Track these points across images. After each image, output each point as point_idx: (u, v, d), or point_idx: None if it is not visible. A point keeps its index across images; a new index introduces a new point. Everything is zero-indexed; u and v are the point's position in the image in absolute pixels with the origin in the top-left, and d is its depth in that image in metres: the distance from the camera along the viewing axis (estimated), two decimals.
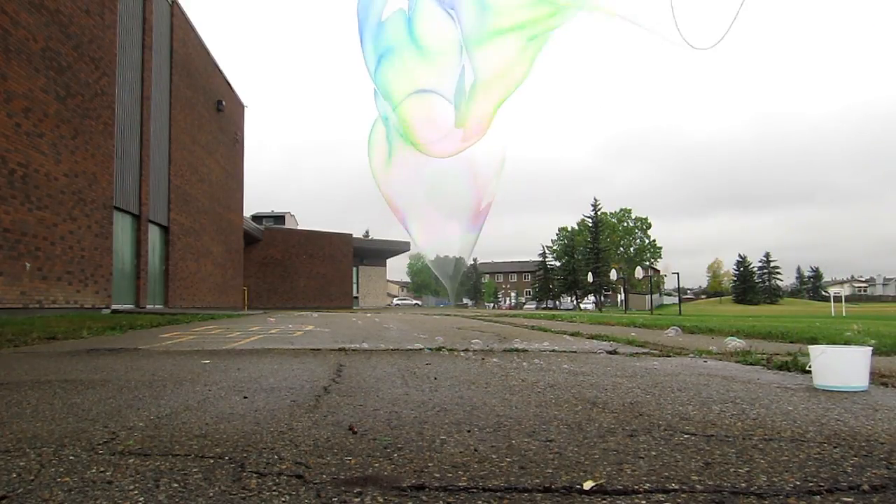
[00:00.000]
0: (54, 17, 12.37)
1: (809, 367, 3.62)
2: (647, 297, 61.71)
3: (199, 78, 22.66)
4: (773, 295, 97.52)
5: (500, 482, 1.71)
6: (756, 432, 2.34)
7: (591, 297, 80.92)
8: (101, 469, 1.82)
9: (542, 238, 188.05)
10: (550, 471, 1.82)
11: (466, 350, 5.83)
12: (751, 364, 4.74)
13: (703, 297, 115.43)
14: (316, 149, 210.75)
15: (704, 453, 2.02)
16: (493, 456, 1.98)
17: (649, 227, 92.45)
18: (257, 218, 45.58)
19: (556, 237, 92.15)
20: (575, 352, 5.81)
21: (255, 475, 1.77)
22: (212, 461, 1.91)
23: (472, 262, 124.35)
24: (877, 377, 3.79)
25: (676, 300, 52.18)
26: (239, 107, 28.74)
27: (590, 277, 65.66)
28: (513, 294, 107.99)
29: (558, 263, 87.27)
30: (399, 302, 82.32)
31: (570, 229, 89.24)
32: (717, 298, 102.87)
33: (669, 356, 5.50)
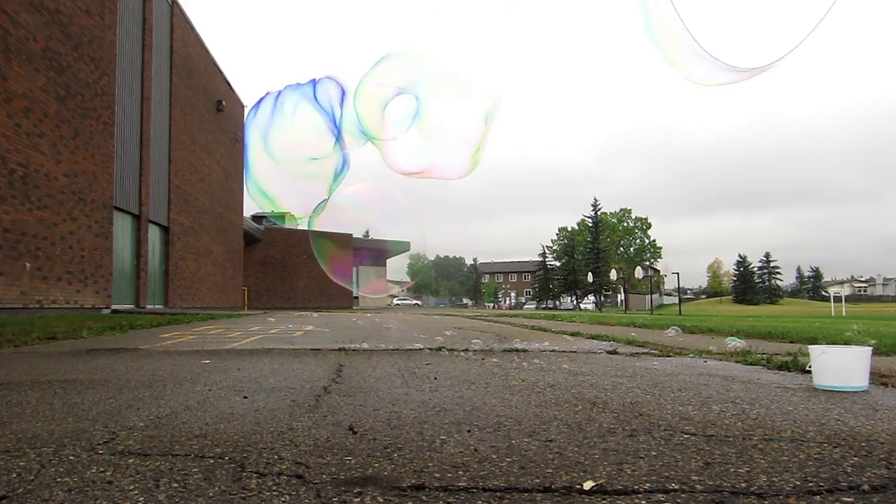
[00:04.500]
0: (54, 17, 12.37)
1: (809, 367, 3.62)
2: (647, 297, 61.75)
3: (199, 78, 22.66)
4: (773, 295, 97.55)
5: (500, 482, 1.71)
6: (756, 432, 2.34)
7: (591, 297, 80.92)
8: (101, 469, 1.82)
9: (542, 238, 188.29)
10: (550, 471, 1.82)
11: (466, 350, 5.83)
12: (751, 364, 4.74)
13: (703, 297, 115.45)
14: None
15: (704, 453, 2.02)
16: (493, 456, 1.98)
17: (649, 227, 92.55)
18: (257, 218, 45.56)
19: (556, 237, 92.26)
20: (575, 352, 5.81)
21: (255, 475, 1.77)
22: (212, 461, 1.91)
23: (473, 262, 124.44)
24: (877, 377, 3.79)
25: (676, 300, 52.20)
26: (239, 107, 28.74)
27: (590, 277, 65.65)
28: (513, 294, 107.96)
29: (558, 263, 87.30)
30: (399, 302, 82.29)
31: (570, 229, 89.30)
32: (717, 298, 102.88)
33: (669, 356, 5.50)
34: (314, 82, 4.01)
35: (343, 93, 3.97)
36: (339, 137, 4.03)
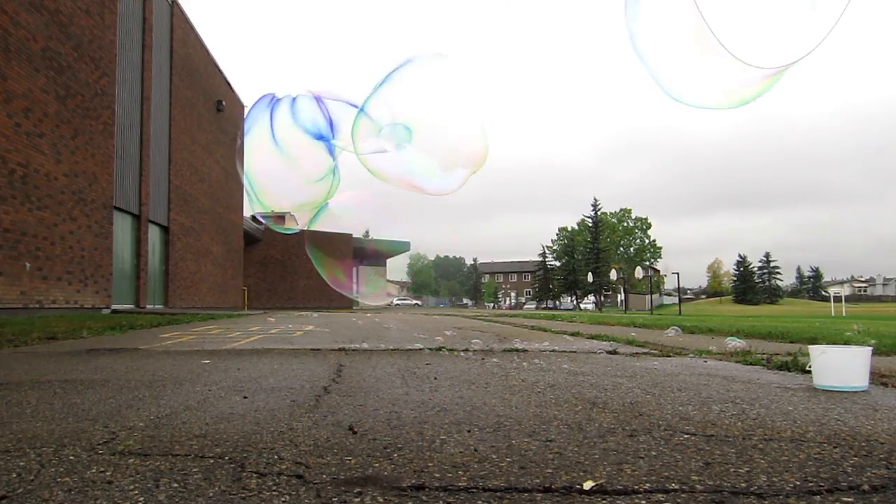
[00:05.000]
0: (54, 17, 12.37)
1: (809, 367, 3.62)
2: (647, 297, 61.75)
3: (199, 78, 22.66)
4: (773, 295, 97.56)
5: (500, 482, 1.71)
6: (756, 432, 2.34)
7: (591, 297, 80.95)
8: (101, 469, 1.82)
9: (542, 238, 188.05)
10: (550, 471, 1.82)
11: (466, 350, 5.83)
12: (751, 364, 4.74)
13: (703, 297, 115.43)
14: None
15: (704, 453, 2.02)
16: (493, 456, 1.98)
17: (649, 227, 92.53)
18: (257, 218, 45.54)
19: (556, 237, 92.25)
20: (575, 352, 5.81)
21: (255, 475, 1.77)
22: (212, 461, 1.91)
23: (473, 262, 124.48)
24: (877, 377, 3.79)
25: (676, 300, 52.22)
26: (239, 107, 28.74)
27: (590, 277, 65.68)
28: (513, 294, 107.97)
29: (558, 263, 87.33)
30: (399, 302, 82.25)
31: (570, 229, 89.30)
32: (717, 298, 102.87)
33: (669, 356, 5.50)
34: (317, 98, 4.14)
35: (330, 120, 4.13)
36: (334, 157, 4.20)
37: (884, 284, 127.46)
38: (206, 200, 23.33)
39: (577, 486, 1.67)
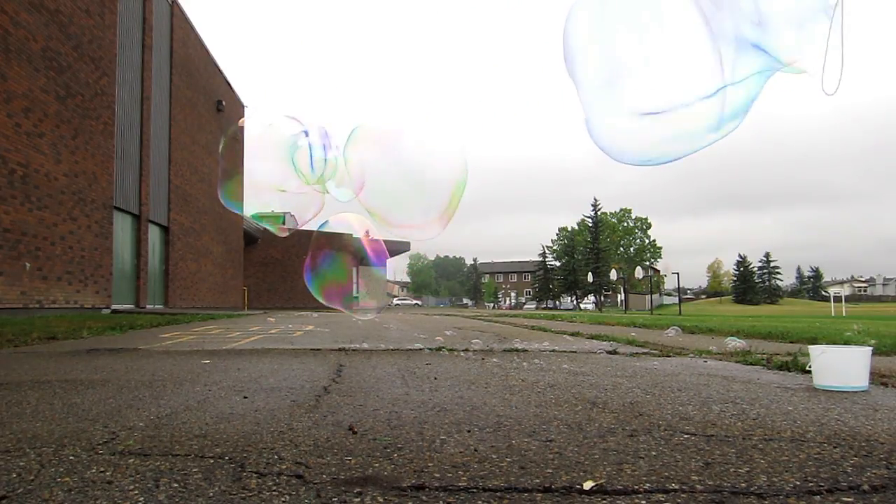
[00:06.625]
0: (54, 17, 12.37)
1: (809, 367, 3.62)
2: (647, 297, 61.75)
3: (199, 78, 22.66)
4: (773, 295, 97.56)
5: (500, 482, 1.71)
6: (756, 432, 2.34)
7: (591, 297, 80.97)
8: (101, 469, 1.82)
9: (542, 238, 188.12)
10: (550, 471, 1.82)
11: (466, 350, 5.83)
12: (751, 364, 4.74)
13: (703, 297, 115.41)
14: None
15: (704, 453, 2.02)
16: (493, 456, 1.98)
17: (649, 227, 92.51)
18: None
19: (556, 237, 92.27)
20: (575, 352, 5.81)
21: (255, 475, 1.77)
22: (212, 461, 1.91)
23: (473, 262, 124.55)
24: (877, 377, 3.79)
25: (676, 300, 52.21)
26: (239, 107, 28.73)
27: (590, 277, 65.69)
28: (513, 294, 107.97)
29: (558, 263, 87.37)
30: (399, 302, 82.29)
31: (570, 229, 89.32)
32: (717, 298, 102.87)
33: (669, 356, 5.50)
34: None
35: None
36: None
37: (884, 284, 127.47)
38: (206, 200, 23.33)
39: (577, 486, 1.67)
